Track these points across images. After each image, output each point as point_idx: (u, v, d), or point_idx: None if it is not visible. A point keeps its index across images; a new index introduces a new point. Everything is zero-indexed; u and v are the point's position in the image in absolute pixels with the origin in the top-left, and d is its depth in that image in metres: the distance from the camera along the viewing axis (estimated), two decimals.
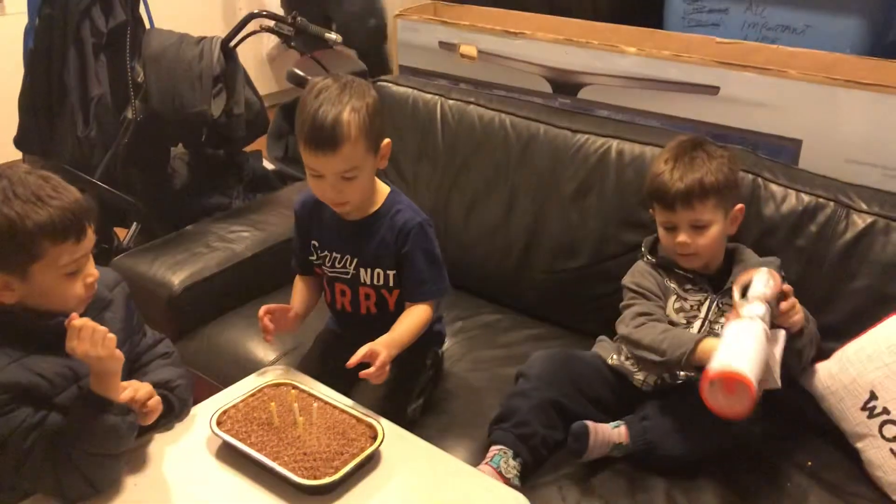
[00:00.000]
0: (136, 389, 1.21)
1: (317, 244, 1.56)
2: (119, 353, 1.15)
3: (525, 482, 1.44)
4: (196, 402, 1.39)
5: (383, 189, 1.54)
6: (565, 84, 2.22)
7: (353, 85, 1.40)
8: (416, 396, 1.59)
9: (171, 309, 1.91)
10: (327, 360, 1.57)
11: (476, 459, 1.48)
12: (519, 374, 1.56)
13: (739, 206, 1.57)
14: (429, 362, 1.65)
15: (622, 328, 1.54)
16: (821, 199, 1.62)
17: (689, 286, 1.55)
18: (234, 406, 1.32)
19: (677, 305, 1.54)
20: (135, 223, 2.46)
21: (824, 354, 1.53)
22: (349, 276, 1.54)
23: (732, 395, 1.25)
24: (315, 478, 1.17)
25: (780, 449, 1.51)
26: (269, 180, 2.94)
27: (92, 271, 1.20)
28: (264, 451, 1.22)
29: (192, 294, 1.93)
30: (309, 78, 3.12)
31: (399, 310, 1.52)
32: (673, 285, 1.56)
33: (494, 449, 1.44)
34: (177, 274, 1.95)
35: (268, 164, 3.08)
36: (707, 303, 1.53)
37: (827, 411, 1.51)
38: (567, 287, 1.90)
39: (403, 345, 1.43)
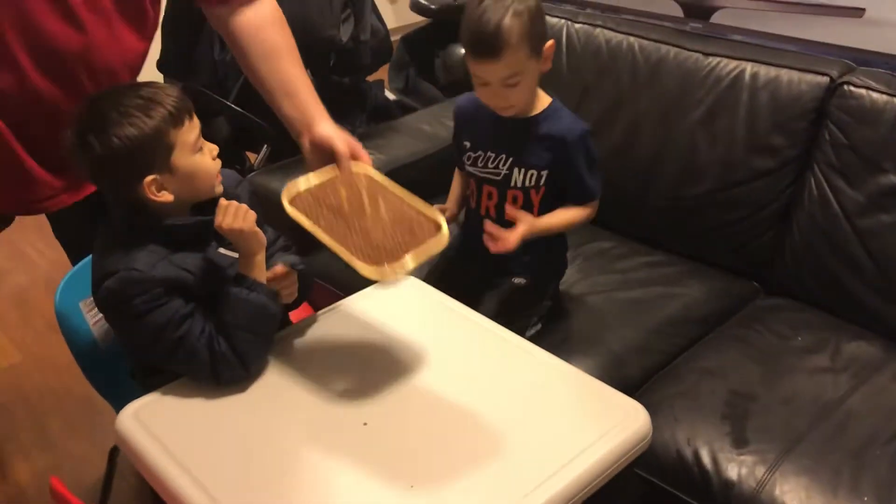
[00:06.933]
0: (276, 270, 1.30)
1: (468, 144, 1.58)
2: (260, 232, 1.24)
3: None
4: (318, 308, 1.46)
5: (546, 97, 1.55)
6: (698, 7, 2.14)
7: None
8: (535, 322, 1.62)
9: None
10: (454, 271, 1.62)
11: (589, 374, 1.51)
12: None
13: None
14: (550, 291, 1.67)
15: None
16: None
17: None
18: (306, 190, 1.30)
19: None
20: (265, 146, 2.58)
21: None
22: (500, 178, 1.55)
23: None
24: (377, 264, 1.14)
25: None
26: (390, 110, 2.99)
27: (211, 145, 1.28)
28: (332, 235, 1.20)
29: None
30: (432, 6, 3.15)
31: (542, 215, 1.54)
32: None
33: None
34: None
35: (389, 95, 3.13)
36: None
37: None
38: (689, 214, 1.87)
39: (546, 229, 1.48)
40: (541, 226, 1.47)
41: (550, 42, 1.45)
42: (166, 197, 1.22)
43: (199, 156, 1.24)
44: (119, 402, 1.49)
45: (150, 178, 1.19)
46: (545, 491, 1.06)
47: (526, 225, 1.43)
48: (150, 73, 2.67)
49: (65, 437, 2.03)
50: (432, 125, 2.37)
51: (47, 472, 1.91)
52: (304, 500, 1.07)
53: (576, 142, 1.50)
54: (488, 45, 1.36)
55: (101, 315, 1.54)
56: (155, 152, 1.19)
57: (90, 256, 1.52)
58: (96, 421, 2.07)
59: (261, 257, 1.26)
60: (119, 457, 1.74)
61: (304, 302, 1.42)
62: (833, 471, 1.28)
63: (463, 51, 3.45)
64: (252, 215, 1.23)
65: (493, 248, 1.41)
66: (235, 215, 1.22)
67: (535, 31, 1.39)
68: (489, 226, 1.41)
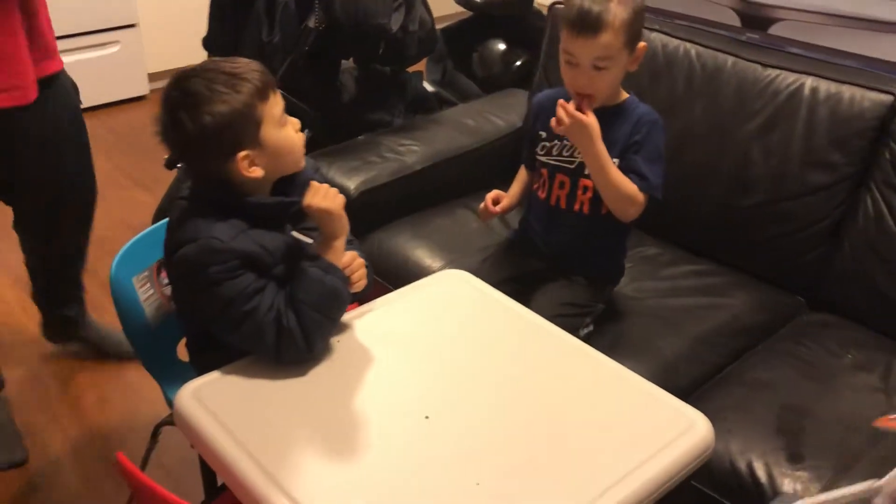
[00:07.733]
0: (353, 257, 1.31)
1: (544, 134, 1.62)
2: (345, 216, 1.25)
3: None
4: (368, 299, 1.45)
5: (624, 93, 1.60)
6: (756, 18, 2.13)
7: None
8: (588, 323, 1.63)
9: (347, 211, 1.99)
10: (507, 266, 1.62)
11: None
12: None
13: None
14: (606, 294, 1.68)
15: None
16: None
17: None
18: None
19: None
20: (307, 130, 2.57)
21: None
22: (573, 166, 1.58)
23: None
24: None
25: None
26: (428, 101, 2.98)
27: (293, 119, 1.28)
28: None
29: (366, 199, 2.01)
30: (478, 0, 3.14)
31: (610, 215, 1.55)
32: None
33: None
34: (352, 179, 2.04)
35: (428, 87, 3.12)
36: None
37: None
38: (737, 225, 1.86)
39: (604, 160, 1.47)
40: (602, 146, 1.47)
41: (643, 44, 1.50)
42: (257, 172, 1.22)
43: (284, 130, 1.25)
44: (165, 380, 1.50)
45: (242, 153, 1.20)
46: (611, 497, 1.05)
47: (595, 120, 1.45)
48: (198, 53, 2.67)
49: (98, 410, 2.02)
50: (476, 120, 2.37)
51: (81, 445, 1.91)
52: (371, 486, 1.06)
53: (648, 123, 1.54)
54: (591, 21, 1.42)
55: (152, 291, 1.54)
56: (245, 127, 1.20)
57: (143, 232, 1.52)
58: (130, 395, 2.07)
59: (341, 242, 1.26)
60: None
61: (360, 298, 1.42)
62: None
63: (502, 46, 3.45)
64: (341, 198, 1.25)
65: (555, 124, 1.45)
66: (326, 196, 1.23)
67: (635, 26, 1.46)
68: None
